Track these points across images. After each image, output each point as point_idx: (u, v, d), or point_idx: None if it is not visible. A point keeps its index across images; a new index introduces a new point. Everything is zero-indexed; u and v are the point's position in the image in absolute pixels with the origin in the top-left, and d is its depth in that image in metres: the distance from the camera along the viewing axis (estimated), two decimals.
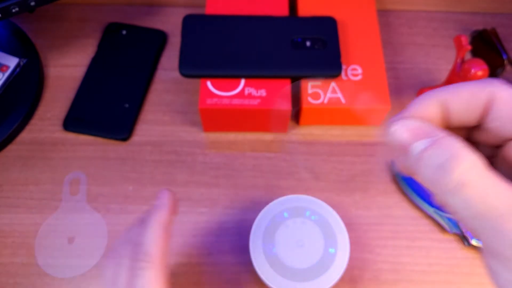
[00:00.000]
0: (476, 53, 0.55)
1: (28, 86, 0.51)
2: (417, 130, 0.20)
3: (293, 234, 0.41)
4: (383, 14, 0.58)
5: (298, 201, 0.42)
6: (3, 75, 0.50)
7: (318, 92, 0.48)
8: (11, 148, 0.49)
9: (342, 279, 0.43)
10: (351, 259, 0.44)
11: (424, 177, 0.20)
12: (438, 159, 0.19)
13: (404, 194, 0.47)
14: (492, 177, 0.19)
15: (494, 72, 0.53)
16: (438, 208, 0.45)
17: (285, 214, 0.42)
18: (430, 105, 0.22)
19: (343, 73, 0.49)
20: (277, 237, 0.41)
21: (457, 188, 0.19)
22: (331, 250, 0.40)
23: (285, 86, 0.47)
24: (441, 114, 0.22)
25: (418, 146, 0.20)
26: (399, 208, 0.47)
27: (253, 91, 0.47)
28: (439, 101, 0.21)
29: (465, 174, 0.18)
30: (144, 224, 0.32)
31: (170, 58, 0.54)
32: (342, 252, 0.40)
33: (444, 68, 0.54)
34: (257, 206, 0.43)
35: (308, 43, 0.48)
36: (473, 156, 0.19)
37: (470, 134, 0.23)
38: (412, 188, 0.46)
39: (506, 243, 0.18)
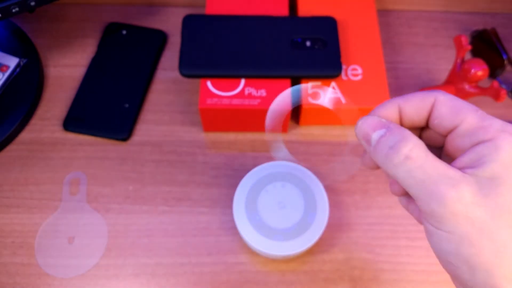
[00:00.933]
0: (476, 53, 0.55)
1: (28, 86, 0.51)
2: (376, 124, 0.27)
3: (274, 198, 0.42)
4: (383, 14, 0.58)
5: (274, 167, 0.44)
6: (3, 75, 0.50)
7: (318, 92, 0.48)
8: (11, 148, 0.49)
9: (342, 279, 0.43)
10: (351, 259, 0.44)
11: (379, 158, 0.26)
12: (390, 142, 0.25)
13: None
14: (429, 154, 0.25)
15: (494, 72, 0.53)
16: None
17: (264, 180, 0.43)
18: (389, 108, 0.28)
19: (343, 73, 0.49)
20: (260, 203, 0.42)
21: (403, 161, 0.25)
22: (311, 209, 0.42)
23: (285, 86, 0.47)
24: (397, 116, 0.28)
25: (377, 134, 0.26)
26: (399, 208, 0.46)
27: (253, 91, 0.47)
28: (396, 105, 0.28)
29: (409, 151, 0.25)
30: None
31: (170, 58, 0.54)
32: (321, 210, 0.42)
33: (444, 68, 0.54)
34: None
35: (308, 43, 0.48)
36: (417, 139, 0.25)
37: (420, 136, 0.29)
38: None
39: (438, 202, 0.24)
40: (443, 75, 0.53)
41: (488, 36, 0.54)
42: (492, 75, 0.53)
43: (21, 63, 0.52)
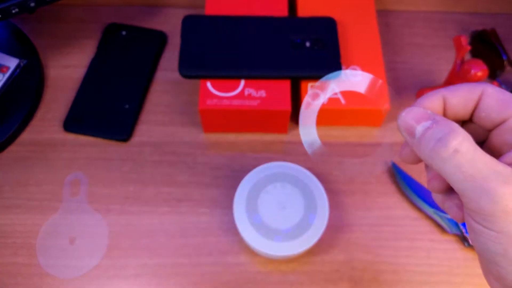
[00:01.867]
0: (475, 53, 0.55)
1: (28, 87, 0.51)
2: (421, 115, 0.25)
3: (274, 198, 0.42)
4: (383, 15, 0.58)
5: (274, 168, 0.44)
6: (3, 76, 0.50)
7: (318, 92, 0.48)
8: (12, 149, 0.49)
9: (342, 280, 0.43)
10: (351, 260, 0.44)
11: (424, 152, 0.25)
12: (438, 135, 0.24)
13: (404, 195, 0.47)
14: (478, 148, 0.24)
15: (494, 72, 0.53)
16: (438, 208, 0.45)
17: (265, 181, 0.43)
18: (434, 100, 0.27)
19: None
20: (260, 204, 0.42)
21: (452, 155, 0.23)
22: (311, 210, 0.42)
23: (285, 86, 0.47)
24: (441, 108, 0.27)
25: (422, 126, 0.25)
26: (399, 209, 0.47)
27: (253, 92, 0.47)
28: (441, 96, 0.27)
29: (458, 145, 0.23)
30: None
31: (170, 59, 0.54)
32: (321, 211, 0.42)
33: (444, 69, 0.54)
34: None
35: (307, 44, 0.49)
36: (465, 132, 0.24)
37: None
38: (412, 189, 0.46)
39: (488, 199, 0.22)
40: (442, 75, 0.53)
41: (488, 37, 0.54)
42: (492, 75, 0.53)
43: (21, 64, 0.52)
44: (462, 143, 0.23)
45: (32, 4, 0.44)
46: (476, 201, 0.23)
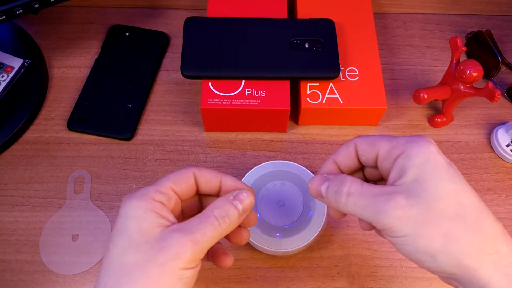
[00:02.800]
0: (471, 54, 0.56)
1: (33, 87, 0.51)
2: (320, 180, 0.32)
3: (273, 196, 0.43)
4: (381, 17, 0.59)
5: (274, 166, 0.45)
6: (8, 75, 0.51)
7: (317, 92, 0.49)
8: (16, 147, 0.50)
9: (340, 275, 0.44)
10: (349, 255, 0.45)
11: (333, 205, 0.31)
12: (334, 188, 0.31)
13: None
14: (365, 184, 0.30)
15: (489, 73, 0.53)
16: None
17: (264, 179, 0.44)
18: (328, 164, 0.34)
19: (340, 74, 0.50)
20: (260, 201, 0.43)
21: (347, 198, 0.30)
22: (310, 207, 0.43)
23: (284, 86, 0.48)
24: (336, 167, 0.34)
25: (324, 187, 0.32)
26: None
27: (253, 91, 0.48)
28: (332, 160, 0.34)
29: (349, 189, 0.30)
30: None
31: (172, 60, 0.55)
32: (320, 208, 0.43)
33: (440, 69, 0.55)
34: None
35: (307, 45, 0.49)
36: (352, 177, 0.31)
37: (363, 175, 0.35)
38: None
39: (383, 216, 0.28)
40: (438, 76, 0.53)
41: (483, 38, 0.55)
42: (487, 76, 0.53)
43: (26, 64, 0.52)
44: (351, 186, 0.30)
45: (36, 5, 0.45)
46: (377, 222, 0.28)
